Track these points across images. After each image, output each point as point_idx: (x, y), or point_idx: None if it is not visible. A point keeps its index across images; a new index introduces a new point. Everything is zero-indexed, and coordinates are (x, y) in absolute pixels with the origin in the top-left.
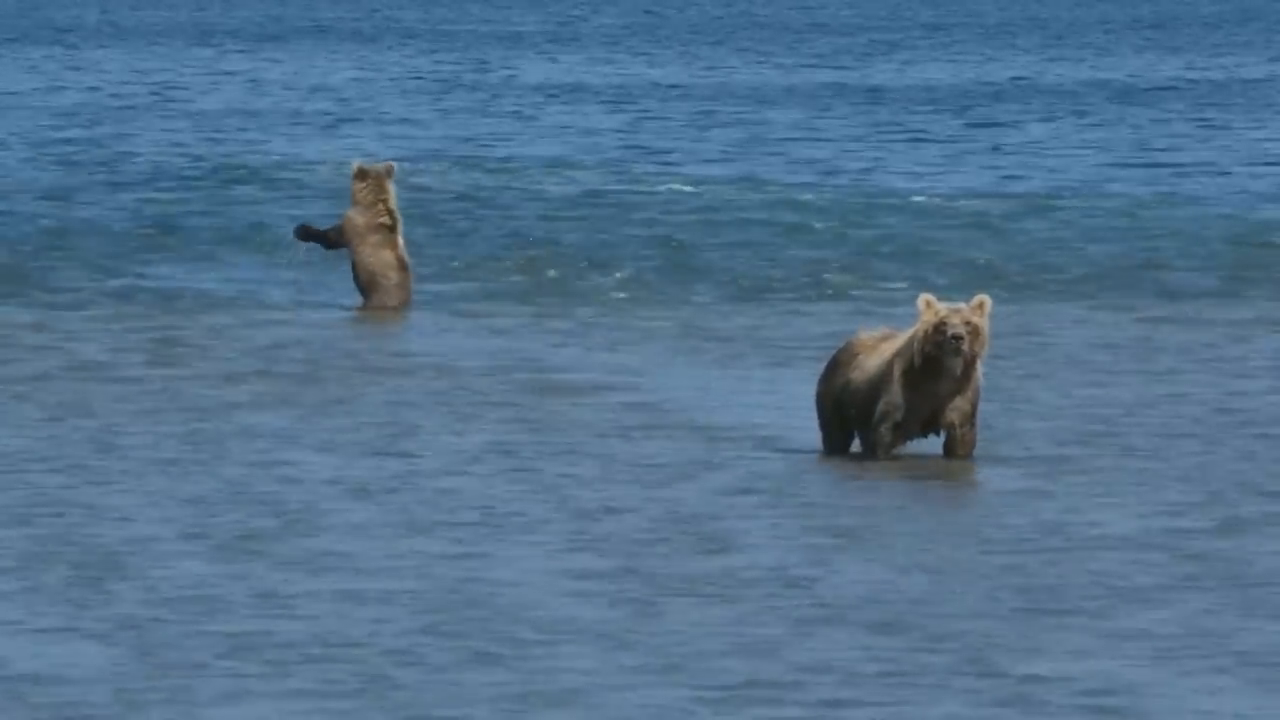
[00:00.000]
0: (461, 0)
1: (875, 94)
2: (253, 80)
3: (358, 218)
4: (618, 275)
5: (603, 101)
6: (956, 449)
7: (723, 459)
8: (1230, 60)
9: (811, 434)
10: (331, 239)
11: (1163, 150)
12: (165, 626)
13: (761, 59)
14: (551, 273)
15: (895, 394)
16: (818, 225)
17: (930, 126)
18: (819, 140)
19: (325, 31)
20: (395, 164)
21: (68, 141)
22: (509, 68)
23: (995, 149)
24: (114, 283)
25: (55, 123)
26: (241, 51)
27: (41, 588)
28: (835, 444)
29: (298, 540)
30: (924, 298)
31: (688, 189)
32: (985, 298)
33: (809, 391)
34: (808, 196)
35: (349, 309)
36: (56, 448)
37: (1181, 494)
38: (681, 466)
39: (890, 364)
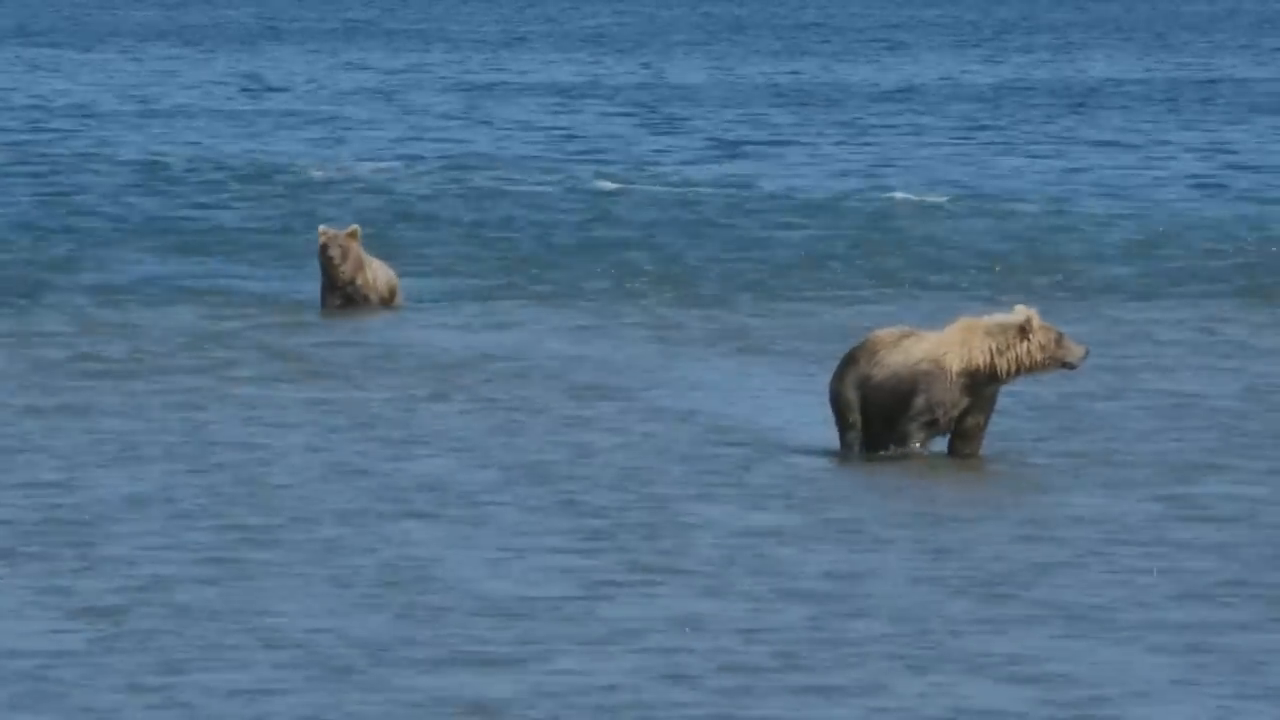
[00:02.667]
0: (441, 0)
1: (841, 93)
2: (232, 81)
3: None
4: (599, 271)
5: (584, 100)
6: (966, 447)
7: (700, 448)
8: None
9: (788, 424)
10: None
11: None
12: (138, 600)
13: (748, 58)
14: (534, 270)
15: (943, 392)
16: (804, 224)
17: (904, 126)
18: (803, 141)
19: (309, 32)
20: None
21: (46, 140)
22: (492, 68)
23: (964, 148)
24: (104, 279)
25: (31, 122)
26: (215, 54)
27: (24, 563)
28: (851, 439)
29: (269, 519)
30: (1028, 312)
31: (673, 189)
32: (1021, 306)
33: (790, 385)
34: (795, 197)
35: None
36: (58, 436)
37: (1144, 480)
38: (651, 451)
39: (940, 365)
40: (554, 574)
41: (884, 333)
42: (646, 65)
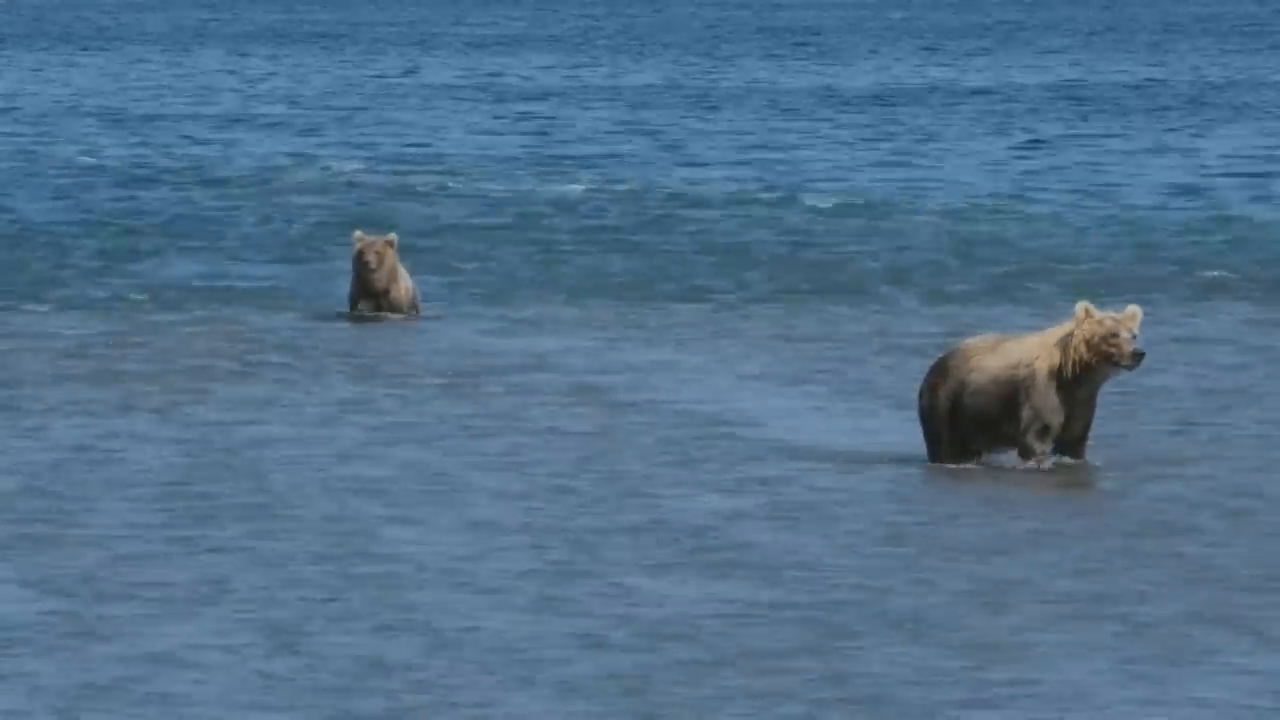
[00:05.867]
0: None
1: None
2: (223, 82)
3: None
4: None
5: (561, 100)
6: (1069, 453)
7: (677, 439)
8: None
9: (763, 414)
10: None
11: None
12: (104, 572)
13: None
14: (532, 272)
15: (1042, 399)
16: (802, 223)
17: (896, 127)
18: (796, 142)
19: (298, 34)
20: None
21: (37, 140)
22: (494, 70)
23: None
24: (116, 279)
25: (26, 123)
26: (195, 54)
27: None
28: (945, 451)
29: (247, 496)
30: (1083, 305)
31: (661, 190)
32: (1138, 309)
33: (772, 380)
34: (788, 198)
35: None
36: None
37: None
38: (620, 436)
39: (1033, 369)
40: (514, 553)
41: (976, 340)
42: (641, 67)
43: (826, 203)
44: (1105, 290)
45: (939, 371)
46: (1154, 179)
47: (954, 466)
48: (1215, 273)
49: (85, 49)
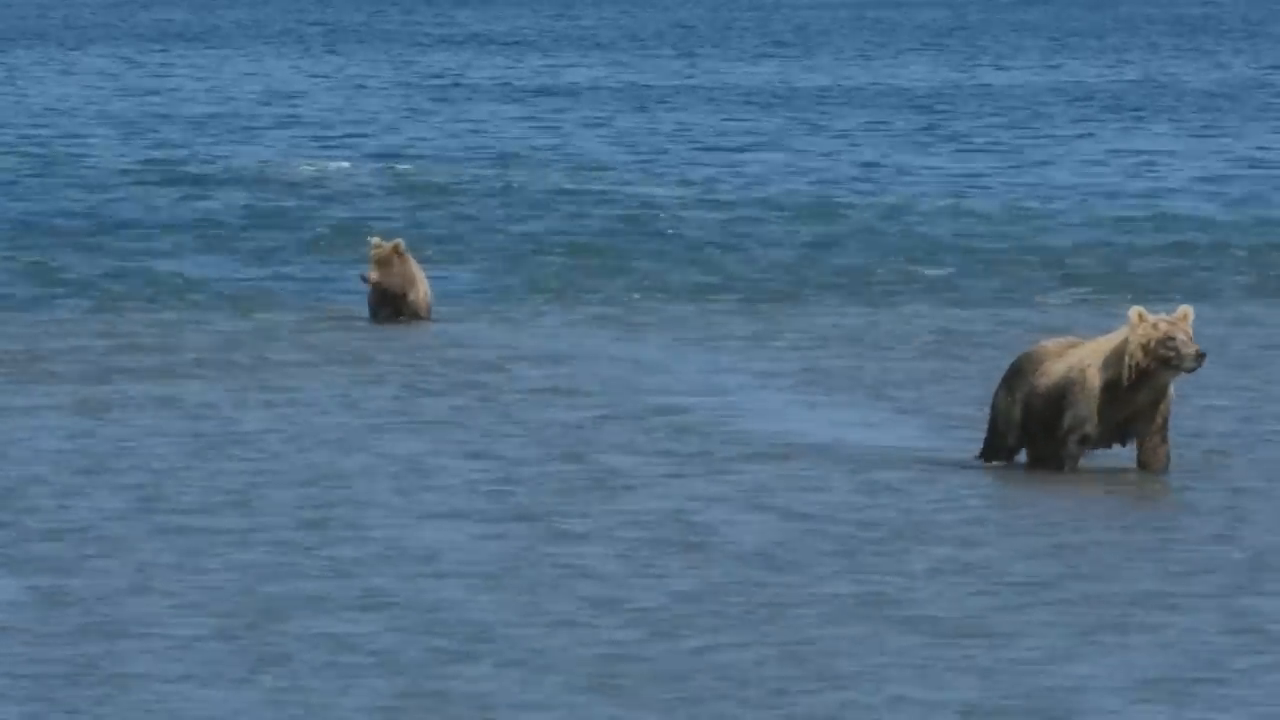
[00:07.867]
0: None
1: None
2: (226, 82)
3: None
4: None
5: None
6: (1151, 461)
7: (652, 432)
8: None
9: (750, 410)
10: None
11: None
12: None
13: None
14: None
15: (1086, 407)
16: (797, 225)
17: (881, 128)
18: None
19: (304, 35)
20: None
21: (41, 140)
22: (501, 71)
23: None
24: (121, 279)
25: (30, 123)
26: (209, 54)
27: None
28: (1000, 450)
29: (239, 487)
30: (1137, 310)
31: (654, 191)
32: (1189, 309)
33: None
34: (785, 199)
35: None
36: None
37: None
38: (601, 429)
39: (1084, 374)
40: (492, 541)
41: (1051, 344)
42: (639, 66)
43: (823, 201)
44: (1103, 286)
45: (1015, 372)
46: (1155, 179)
47: (943, 462)
48: (1217, 269)
49: (82, 49)
